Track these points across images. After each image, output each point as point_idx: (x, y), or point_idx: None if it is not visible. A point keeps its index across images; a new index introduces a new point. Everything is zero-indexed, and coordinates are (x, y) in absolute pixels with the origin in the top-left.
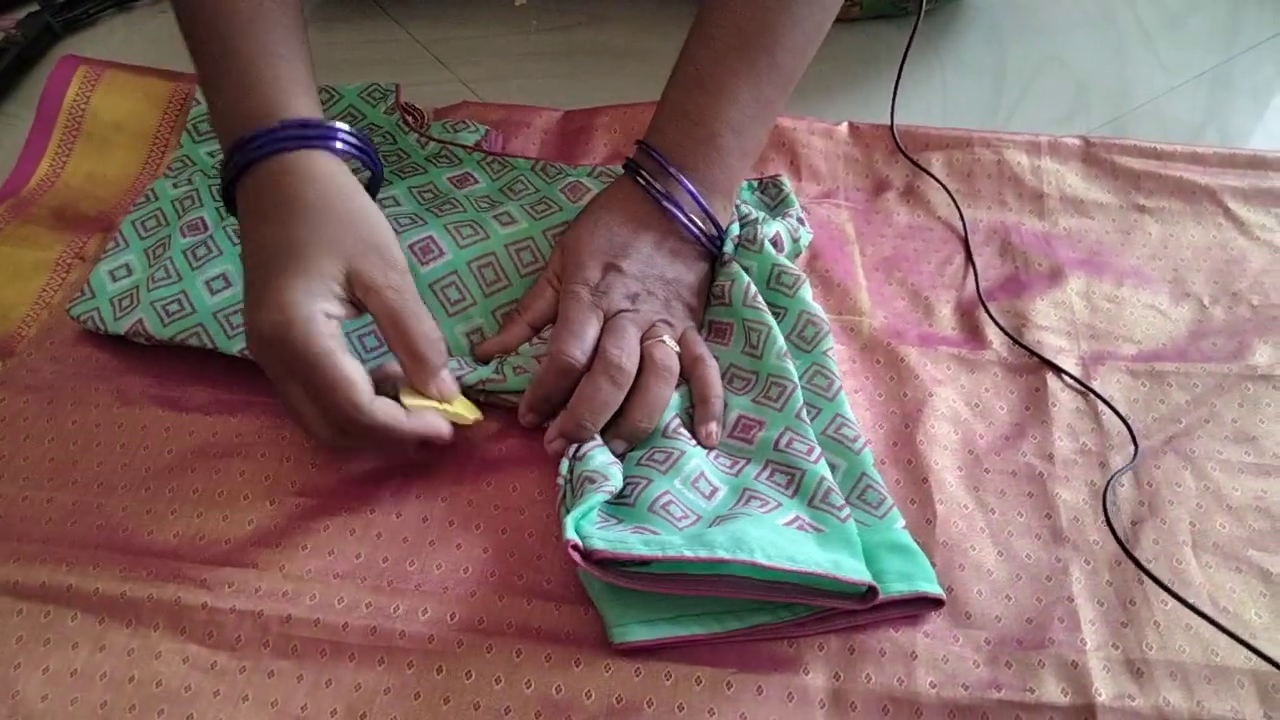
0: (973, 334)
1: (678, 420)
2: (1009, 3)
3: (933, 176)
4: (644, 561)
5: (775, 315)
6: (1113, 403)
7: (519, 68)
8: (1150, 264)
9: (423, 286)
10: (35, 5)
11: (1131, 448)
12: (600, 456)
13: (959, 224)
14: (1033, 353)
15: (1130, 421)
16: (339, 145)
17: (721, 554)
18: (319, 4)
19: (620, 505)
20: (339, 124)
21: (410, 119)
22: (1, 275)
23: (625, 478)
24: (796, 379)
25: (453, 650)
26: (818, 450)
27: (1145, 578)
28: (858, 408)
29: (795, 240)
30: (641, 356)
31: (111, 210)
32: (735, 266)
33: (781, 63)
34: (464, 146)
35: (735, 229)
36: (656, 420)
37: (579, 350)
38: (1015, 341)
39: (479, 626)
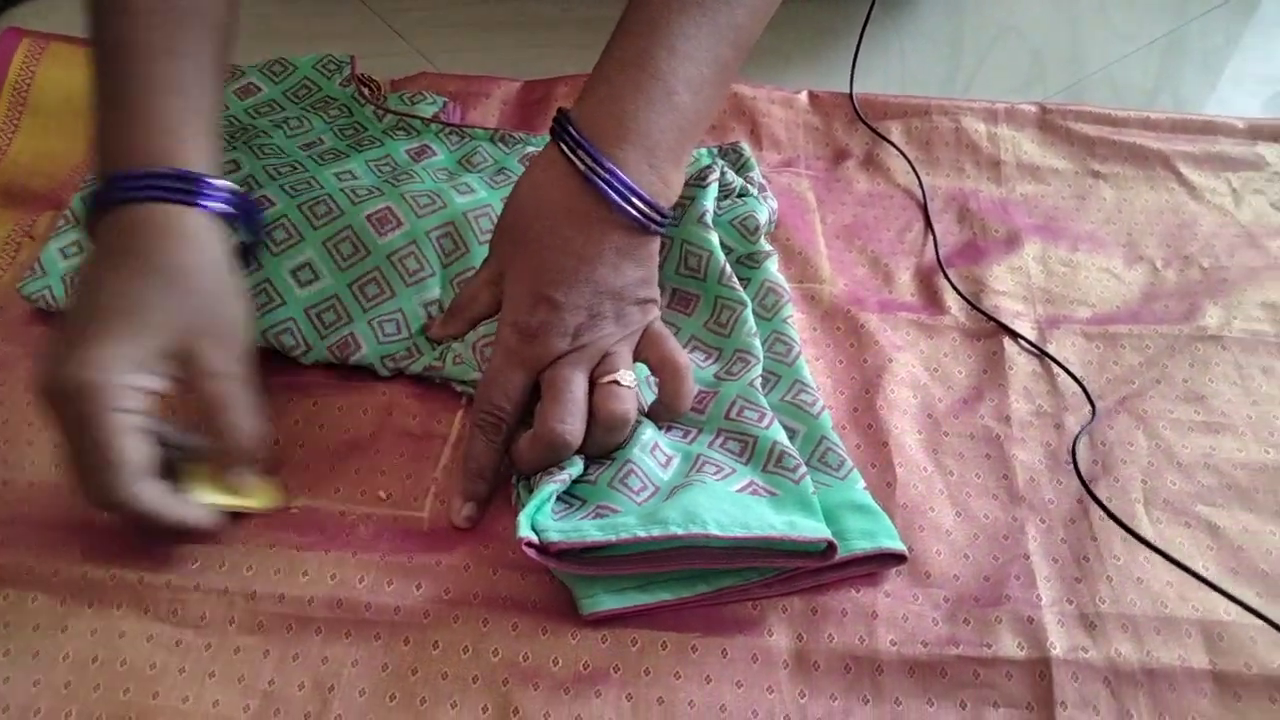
0: (931, 300)
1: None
2: None
3: (892, 144)
4: (601, 546)
5: (740, 284)
6: (1068, 365)
7: (477, 38)
8: (1104, 228)
9: (381, 258)
10: None
11: (1087, 408)
12: None
13: (918, 191)
14: (990, 317)
15: (1085, 383)
16: (216, 206)
17: (675, 530)
18: None
19: (582, 483)
20: (223, 182)
21: (366, 90)
22: None
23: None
24: (761, 354)
25: (419, 621)
26: (769, 416)
27: (1098, 536)
28: (819, 374)
29: (771, 221)
30: (592, 399)
31: (60, 187)
32: (713, 238)
33: (741, 22)
34: (422, 118)
35: (713, 193)
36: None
37: (505, 414)
38: (973, 306)
39: (445, 597)
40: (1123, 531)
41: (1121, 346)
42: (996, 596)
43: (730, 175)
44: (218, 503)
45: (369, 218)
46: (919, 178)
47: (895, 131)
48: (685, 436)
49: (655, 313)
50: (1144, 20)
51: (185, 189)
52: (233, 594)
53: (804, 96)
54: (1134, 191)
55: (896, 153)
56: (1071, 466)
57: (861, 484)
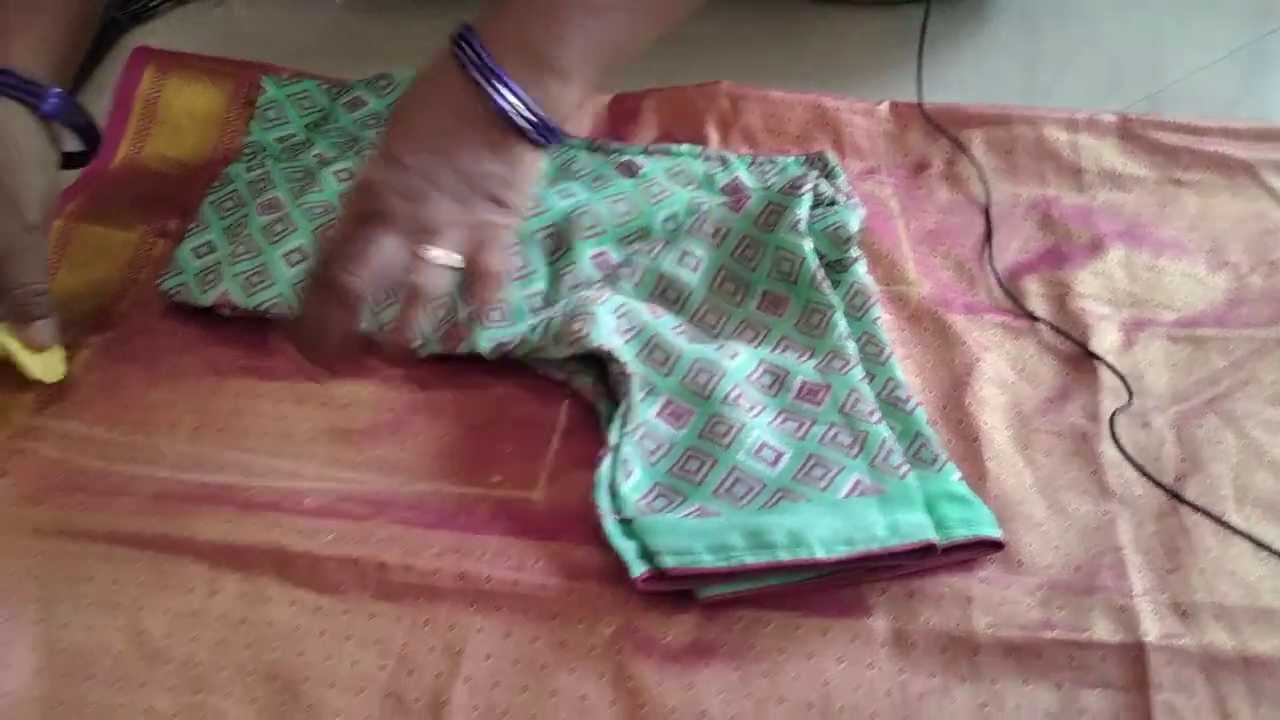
0: (1017, 304)
1: (739, 389)
2: None
3: (964, 151)
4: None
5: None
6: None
7: None
8: (1188, 235)
9: None
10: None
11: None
12: (646, 411)
13: (999, 199)
14: (1062, 332)
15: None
16: (42, 105)
17: (782, 556)
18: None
19: (685, 481)
20: (52, 88)
21: None
22: (92, 253)
23: (686, 450)
24: (857, 355)
25: (537, 594)
26: (879, 413)
27: (1189, 530)
28: (908, 373)
29: (860, 229)
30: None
31: (187, 191)
32: (806, 244)
33: None
34: None
35: (808, 202)
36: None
37: (358, 280)
38: (1054, 327)
39: (560, 572)
40: (1215, 526)
41: (1208, 349)
42: (1089, 585)
43: (823, 185)
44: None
45: None
46: (985, 185)
47: (976, 140)
48: (799, 429)
49: (510, 221)
50: (1225, 29)
51: (15, 88)
52: (364, 564)
53: (885, 107)
54: (1217, 199)
55: (977, 163)
56: (1114, 441)
57: (957, 475)
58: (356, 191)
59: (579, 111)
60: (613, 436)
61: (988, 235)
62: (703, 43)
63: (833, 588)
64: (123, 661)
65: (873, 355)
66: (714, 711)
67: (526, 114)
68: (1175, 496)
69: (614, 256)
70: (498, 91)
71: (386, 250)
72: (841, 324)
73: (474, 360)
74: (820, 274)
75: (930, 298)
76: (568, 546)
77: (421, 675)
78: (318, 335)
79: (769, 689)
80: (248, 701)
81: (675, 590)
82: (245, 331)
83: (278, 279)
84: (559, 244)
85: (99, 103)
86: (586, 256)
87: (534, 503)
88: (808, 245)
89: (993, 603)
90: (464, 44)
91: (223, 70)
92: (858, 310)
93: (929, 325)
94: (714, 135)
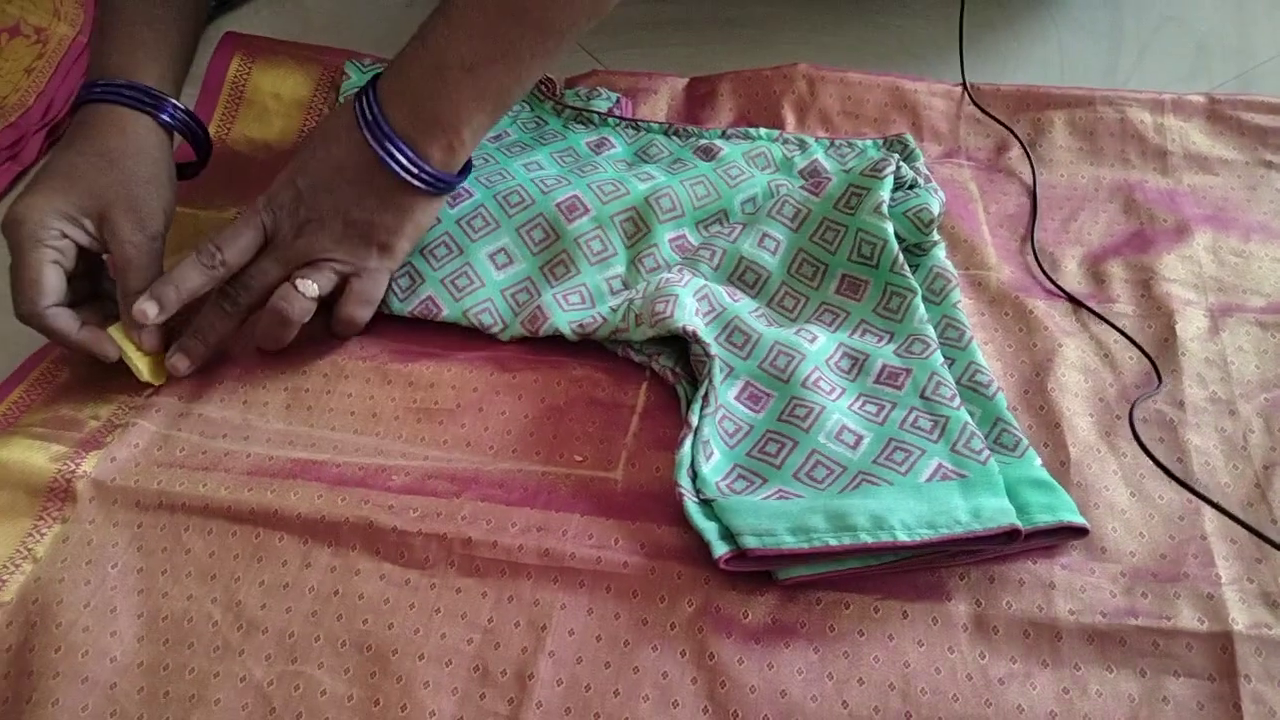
0: (1100, 287)
1: (818, 372)
2: None
3: (1013, 133)
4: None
5: (910, 269)
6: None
7: (641, 37)
8: (1278, 219)
9: (569, 241)
10: None
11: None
12: (726, 393)
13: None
14: (1119, 329)
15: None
16: (164, 117)
17: (865, 539)
18: None
19: (765, 463)
20: (175, 101)
21: (544, 87)
22: (186, 233)
23: (766, 433)
24: (936, 340)
25: (619, 571)
26: (959, 398)
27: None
28: (988, 357)
29: (941, 213)
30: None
31: (273, 174)
32: (888, 227)
33: (529, 5)
34: (599, 113)
35: (889, 184)
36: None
37: (221, 260)
38: (1065, 293)
39: (641, 551)
40: None
41: None
42: (1174, 573)
43: (904, 169)
44: (119, 345)
45: (559, 205)
46: (1032, 166)
47: (1058, 122)
48: (879, 413)
49: (390, 266)
50: None
51: (150, 102)
52: (451, 540)
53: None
54: None
55: (1059, 145)
56: (1132, 431)
57: (1038, 461)
58: (262, 201)
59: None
60: (693, 417)
61: (1033, 217)
62: (770, 25)
63: (911, 573)
64: (220, 631)
65: (953, 340)
66: (794, 691)
67: (413, 169)
68: (1199, 496)
69: (692, 239)
70: (386, 150)
71: (264, 275)
72: (921, 308)
73: (554, 342)
74: (900, 258)
75: (1010, 282)
76: (648, 526)
77: (507, 649)
78: (199, 330)
79: (849, 670)
80: (340, 671)
81: (755, 571)
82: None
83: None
84: (638, 227)
85: (188, 89)
86: (665, 239)
87: (614, 482)
88: (890, 228)
89: (1075, 589)
90: (364, 100)
91: (308, 55)
92: (937, 294)
93: (1010, 310)
94: (790, 117)
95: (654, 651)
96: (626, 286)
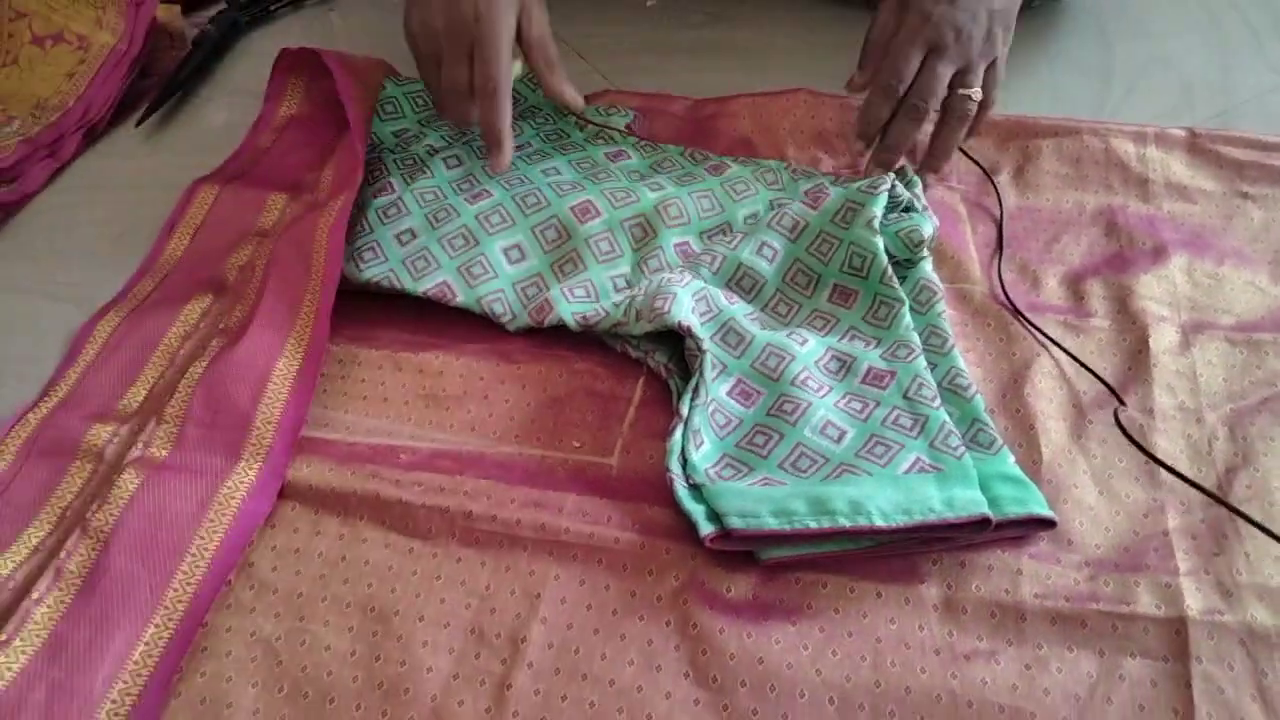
0: (1079, 303)
1: (807, 372)
2: (1116, 5)
3: (974, 161)
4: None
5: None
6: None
7: (650, 62)
8: (1251, 246)
9: (579, 241)
10: (224, 4)
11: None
12: (718, 388)
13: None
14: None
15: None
16: None
17: (843, 522)
18: None
19: (752, 453)
20: None
21: None
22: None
23: (755, 426)
24: (920, 346)
25: (611, 546)
26: (940, 399)
27: (1238, 518)
28: (970, 364)
29: (933, 238)
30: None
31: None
32: (878, 241)
33: None
34: (619, 130)
35: (883, 201)
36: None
37: (898, 81)
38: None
39: (632, 528)
40: (1263, 514)
41: (1265, 353)
42: (1136, 565)
43: (900, 189)
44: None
45: (572, 209)
46: (996, 190)
47: (1046, 150)
48: (863, 410)
49: (1004, 51)
50: None
51: None
52: (453, 513)
53: None
54: None
55: (1045, 170)
56: (1124, 438)
57: (1011, 459)
58: (915, 18)
59: None
60: (684, 408)
61: (999, 243)
62: (775, 54)
63: (887, 557)
64: (233, 591)
65: (936, 346)
66: (770, 660)
67: None
68: (1214, 496)
69: (695, 246)
70: None
71: (942, 79)
72: (908, 317)
73: (558, 337)
74: (889, 270)
75: (993, 296)
76: (639, 506)
77: (502, 614)
78: (875, 130)
79: (823, 642)
80: (344, 630)
81: (739, 551)
82: (348, 302)
83: (390, 256)
84: (645, 232)
85: (219, 98)
86: (670, 244)
87: (610, 467)
88: (880, 242)
89: (1041, 576)
90: None
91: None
92: (923, 305)
93: (992, 321)
94: (791, 141)
95: (640, 621)
96: (630, 285)
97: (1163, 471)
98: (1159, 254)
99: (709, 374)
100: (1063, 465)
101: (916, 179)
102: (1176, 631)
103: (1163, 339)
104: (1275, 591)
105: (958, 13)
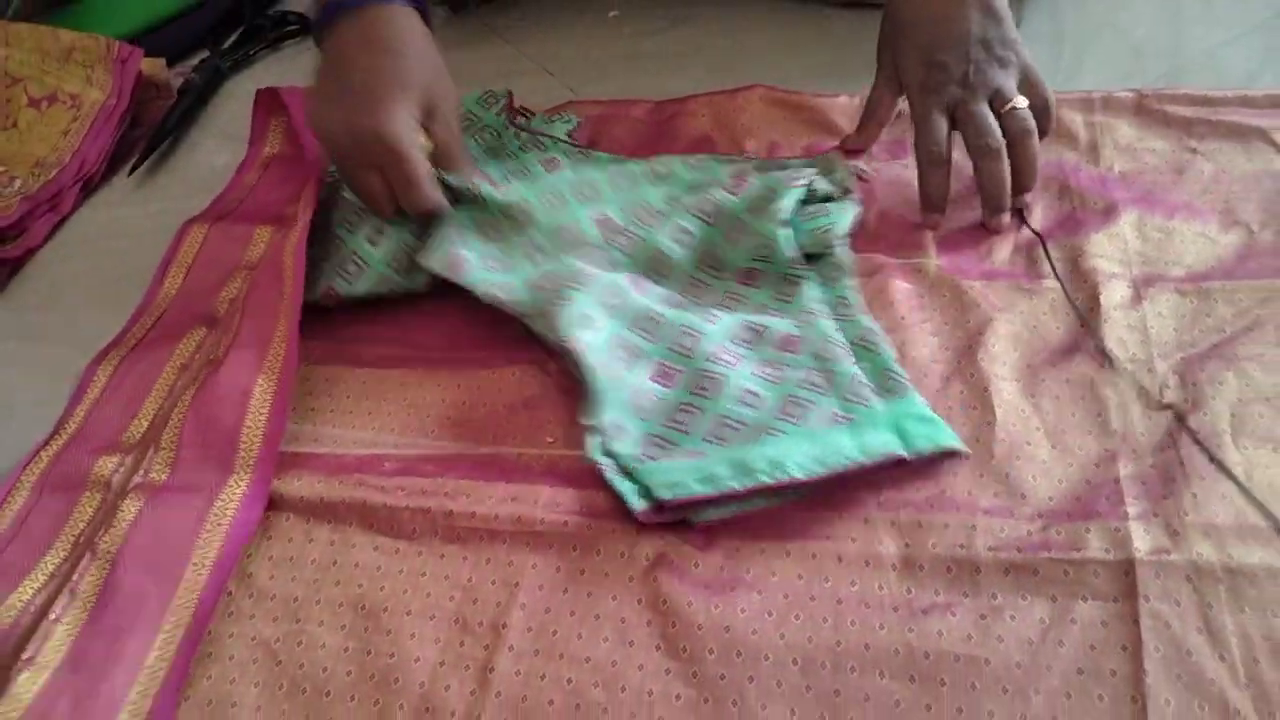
0: (1030, 267)
1: (720, 346)
2: None
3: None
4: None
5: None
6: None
7: (617, 71)
8: (1201, 198)
9: (495, 211)
10: (206, 53)
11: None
12: (636, 377)
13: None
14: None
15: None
16: (410, 3)
17: (764, 480)
18: (439, 30)
19: (676, 430)
20: None
21: (521, 119)
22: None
23: (678, 405)
24: (829, 311)
25: (584, 533)
26: (850, 356)
27: (1185, 463)
28: (925, 335)
29: (855, 224)
30: (1002, 123)
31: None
32: (786, 233)
33: None
34: (552, 137)
35: (797, 195)
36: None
37: (937, 146)
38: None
39: (604, 515)
40: (1209, 457)
41: (1214, 301)
42: (1087, 512)
43: (819, 183)
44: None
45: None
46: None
47: None
48: (777, 374)
49: (1026, 63)
50: (1246, 6)
51: None
52: (435, 513)
53: None
54: (1231, 163)
55: None
56: (1162, 403)
57: (921, 400)
58: (915, 92)
59: None
60: (589, 419)
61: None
62: (738, 54)
63: (846, 522)
64: (233, 599)
65: (844, 313)
66: (736, 627)
67: None
68: (1169, 410)
69: (617, 220)
70: None
71: (977, 114)
72: (813, 290)
73: (530, 344)
74: (797, 259)
75: (947, 266)
76: (611, 493)
77: (484, 604)
78: (940, 196)
79: (787, 608)
80: (337, 628)
81: (702, 528)
82: (334, 322)
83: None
84: (561, 203)
85: (206, 142)
86: (585, 215)
87: (582, 460)
88: (784, 234)
89: (994, 529)
90: None
91: None
92: (832, 281)
93: (947, 291)
94: (750, 137)
95: (614, 600)
96: (539, 250)
97: (1115, 420)
98: (1110, 213)
99: (618, 368)
100: (1016, 424)
101: (841, 167)
102: (1125, 573)
103: (1114, 295)
104: (1220, 528)
105: (948, 60)
